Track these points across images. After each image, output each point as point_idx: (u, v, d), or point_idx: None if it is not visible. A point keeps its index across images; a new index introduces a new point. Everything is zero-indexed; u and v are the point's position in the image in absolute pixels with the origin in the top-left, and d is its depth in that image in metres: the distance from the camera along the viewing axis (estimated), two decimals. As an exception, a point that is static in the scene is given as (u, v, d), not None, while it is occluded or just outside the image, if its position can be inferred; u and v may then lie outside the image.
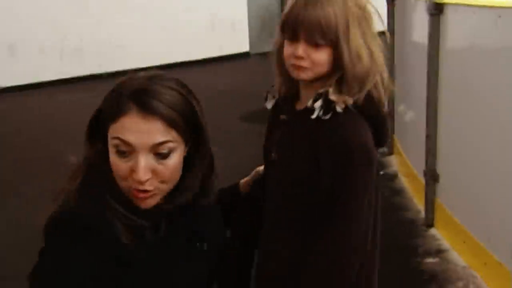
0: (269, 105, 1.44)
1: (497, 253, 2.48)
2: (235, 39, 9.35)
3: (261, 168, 1.51)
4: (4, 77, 7.46)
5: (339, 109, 1.25)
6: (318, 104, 1.26)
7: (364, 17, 1.28)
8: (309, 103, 1.28)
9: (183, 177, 1.19)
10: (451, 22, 2.78)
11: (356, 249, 1.27)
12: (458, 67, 2.80)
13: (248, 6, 9.50)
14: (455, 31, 2.79)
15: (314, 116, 1.26)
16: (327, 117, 1.26)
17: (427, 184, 3.10)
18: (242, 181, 1.55)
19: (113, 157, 1.11)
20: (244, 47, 9.52)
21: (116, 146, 1.10)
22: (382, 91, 1.31)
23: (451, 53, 2.84)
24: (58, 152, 4.90)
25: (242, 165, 1.52)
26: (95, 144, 1.17)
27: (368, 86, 1.27)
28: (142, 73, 1.16)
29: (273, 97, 1.44)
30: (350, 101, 1.26)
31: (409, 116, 3.68)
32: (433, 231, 3.08)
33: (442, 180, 3.03)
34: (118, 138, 1.09)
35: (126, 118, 1.09)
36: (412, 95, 3.53)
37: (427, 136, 3.04)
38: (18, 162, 4.85)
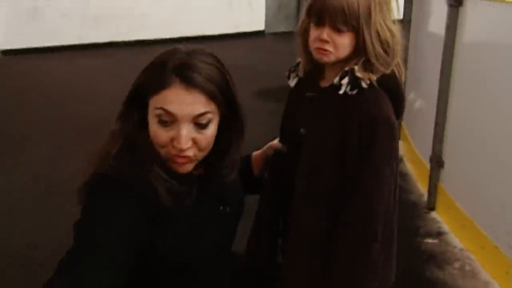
0: (292, 83, 1.47)
1: (495, 238, 2.53)
2: (252, 18, 9.34)
3: (274, 142, 1.54)
4: (27, 38, 7.52)
5: (364, 85, 1.30)
6: (345, 80, 1.30)
7: (385, 1, 1.31)
8: (336, 80, 1.32)
9: (220, 152, 1.26)
10: (470, 15, 2.77)
11: (380, 208, 1.31)
12: (474, 60, 2.80)
13: (266, -14, 9.48)
14: (473, 24, 2.78)
15: (341, 92, 1.31)
16: (354, 92, 1.30)
17: (432, 169, 3.13)
18: (254, 153, 1.59)
19: (155, 126, 1.17)
20: (260, 26, 9.50)
21: (158, 116, 1.15)
22: (402, 69, 1.36)
23: (467, 46, 2.83)
24: (76, 113, 4.99)
25: (251, 141, 1.56)
26: (132, 114, 1.21)
27: (392, 65, 1.32)
28: (181, 47, 1.20)
29: (296, 75, 1.46)
30: (374, 77, 1.31)
31: (419, 103, 3.68)
32: (434, 214, 3.12)
33: (446, 166, 3.06)
34: (162, 108, 1.14)
35: (170, 90, 1.14)
36: (423, 84, 3.54)
37: (436, 124, 3.07)
38: (38, 120, 4.90)
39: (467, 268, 2.63)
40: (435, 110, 3.07)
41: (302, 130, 1.39)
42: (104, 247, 1.09)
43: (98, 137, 1.25)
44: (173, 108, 1.14)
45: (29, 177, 3.62)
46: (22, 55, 7.35)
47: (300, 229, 1.39)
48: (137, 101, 1.20)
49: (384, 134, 1.29)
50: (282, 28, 9.71)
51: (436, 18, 3.29)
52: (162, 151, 1.19)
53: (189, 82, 1.13)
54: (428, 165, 3.20)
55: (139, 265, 1.17)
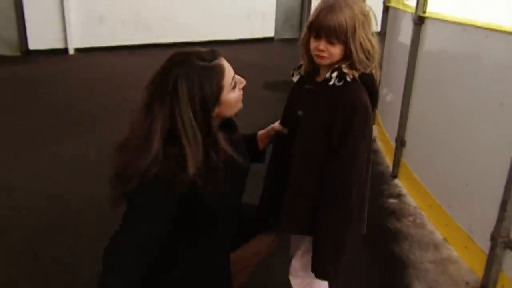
0: (295, 79, 1.47)
1: (439, 199, 2.57)
2: (264, 27, 9.25)
3: (276, 124, 1.54)
4: (94, 39, 7.52)
5: (348, 78, 1.31)
6: (334, 74, 1.32)
7: (367, 21, 1.32)
8: (328, 74, 1.33)
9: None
10: (429, 32, 2.77)
11: (357, 169, 1.32)
12: (430, 66, 2.81)
13: (276, 2, 9.33)
14: (431, 39, 2.78)
15: (331, 83, 1.31)
16: (340, 84, 1.31)
17: (396, 147, 3.15)
18: (259, 132, 1.59)
19: (234, 94, 1.22)
20: (270, 33, 9.40)
21: (234, 84, 1.21)
22: (378, 71, 1.37)
23: (426, 55, 2.84)
24: (130, 97, 4.91)
25: (261, 122, 1.57)
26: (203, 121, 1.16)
27: (371, 67, 1.33)
28: (186, 50, 1.20)
29: (299, 73, 1.46)
30: (356, 74, 1.32)
31: (389, 97, 3.68)
32: (396, 181, 3.14)
33: (407, 146, 3.09)
34: (233, 77, 1.21)
35: (225, 68, 1.19)
36: (393, 82, 3.53)
37: (401, 113, 3.08)
38: (103, 101, 4.92)
39: (418, 221, 2.66)
40: (401, 103, 3.08)
41: (299, 112, 1.40)
42: (156, 210, 1.11)
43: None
44: (232, 71, 1.21)
45: (95, 148, 3.65)
46: (90, 52, 7.33)
47: (296, 185, 1.39)
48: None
49: (361, 117, 1.30)
50: (287, 35, 9.63)
51: (404, 33, 3.26)
52: (237, 108, 1.26)
53: (219, 53, 1.20)
54: (394, 144, 3.21)
55: (186, 212, 1.18)
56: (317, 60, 1.35)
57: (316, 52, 1.33)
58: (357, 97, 1.31)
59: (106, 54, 7.31)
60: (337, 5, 1.28)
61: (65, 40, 7.26)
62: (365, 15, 1.31)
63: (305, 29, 1.37)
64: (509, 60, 1.98)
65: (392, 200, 2.90)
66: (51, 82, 5.71)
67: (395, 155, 3.19)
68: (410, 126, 3.06)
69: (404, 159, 3.12)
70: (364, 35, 1.29)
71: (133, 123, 1.18)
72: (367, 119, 1.32)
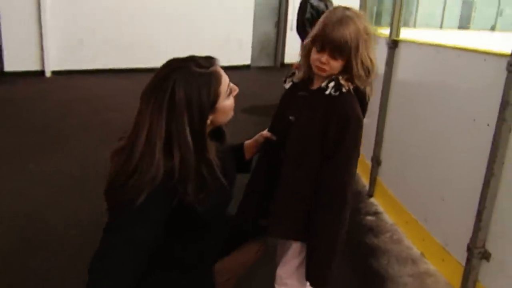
0: (287, 86, 1.48)
1: (415, 215, 2.59)
2: (241, 54, 9.35)
3: (264, 132, 1.53)
4: (73, 62, 7.42)
5: (344, 90, 1.32)
6: (331, 84, 1.32)
7: (369, 39, 1.33)
8: (324, 84, 1.34)
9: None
10: (403, 54, 2.84)
11: (351, 174, 1.34)
12: (405, 87, 2.86)
13: (253, 31, 9.50)
14: (405, 61, 2.84)
15: (327, 93, 1.33)
16: (336, 94, 1.32)
17: (372, 166, 3.18)
18: (246, 142, 1.58)
19: (229, 101, 1.19)
20: (247, 61, 9.52)
21: (229, 91, 1.18)
22: (371, 87, 1.39)
23: (400, 76, 2.89)
24: (108, 119, 4.94)
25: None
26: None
27: (367, 83, 1.36)
28: (181, 58, 1.18)
29: (291, 80, 1.46)
30: (351, 86, 1.34)
31: (365, 118, 3.74)
32: (372, 199, 3.16)
33: (383, 165, 3.12)
34: (229, 84, 1.19)
35: (222, 75, 1.17)
36: (369, 103, 3.58)
37: (377, 133, 3.12)
38: (80, 122, 4.84)
39: (395, 237, 2.67)
40: (376, 123, 3.11)
41: (291, 118, 1.40)
42: (146, 216, 1.06)
43: (123, 135, 1.18)
44: (228, 78, 1.19)
45: (73, 165, 3.60)
46: (68, 75, 7.21)
47: (289, 190, 1.38)
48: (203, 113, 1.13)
49: (355, 126, 1.32)
50: (263, 63, 9.78)
51: (379, 56, 3.27)
52: (230, 115, 1.22)
53: (216, 60, 1.19)
54: (369, 164, 3.23)
55: (179, 218, 1.15)
56: (317, 71, 1.36)
57: (317, 64, 1.34)
58: (351, 107, 1.32)
59: (85, 77, 7.20)
60: (344, 20, 1.29)
61: (42, 62, 7.14)
62: (368, 34, 1.33)
63: (309, 39, 1.38)
64: (480, 77, 2.05)
65: (369, 218, 2.90)
66: (28, 102, 5.57)
67: (371, 174, 3.19)
68: (385, 146, 3.09)
69: (380, 178, 3.13)
70: (366, 53, 1.31)
71: (130, 130, 1.13)
72: (359, 129, 1.35)
